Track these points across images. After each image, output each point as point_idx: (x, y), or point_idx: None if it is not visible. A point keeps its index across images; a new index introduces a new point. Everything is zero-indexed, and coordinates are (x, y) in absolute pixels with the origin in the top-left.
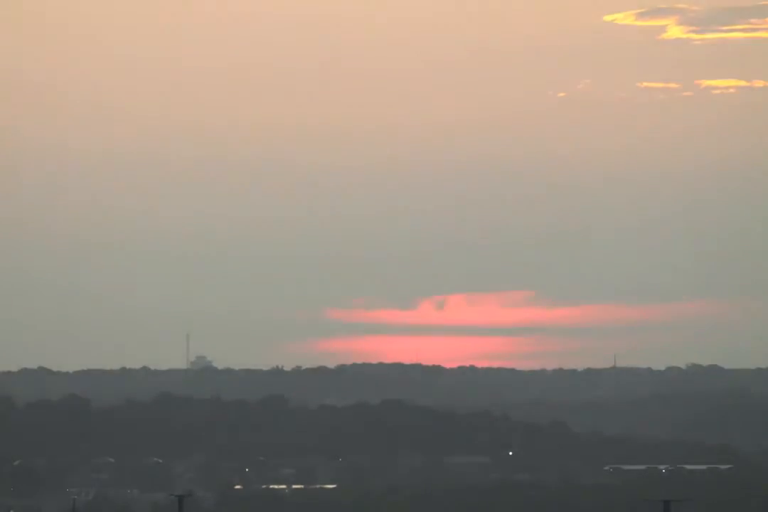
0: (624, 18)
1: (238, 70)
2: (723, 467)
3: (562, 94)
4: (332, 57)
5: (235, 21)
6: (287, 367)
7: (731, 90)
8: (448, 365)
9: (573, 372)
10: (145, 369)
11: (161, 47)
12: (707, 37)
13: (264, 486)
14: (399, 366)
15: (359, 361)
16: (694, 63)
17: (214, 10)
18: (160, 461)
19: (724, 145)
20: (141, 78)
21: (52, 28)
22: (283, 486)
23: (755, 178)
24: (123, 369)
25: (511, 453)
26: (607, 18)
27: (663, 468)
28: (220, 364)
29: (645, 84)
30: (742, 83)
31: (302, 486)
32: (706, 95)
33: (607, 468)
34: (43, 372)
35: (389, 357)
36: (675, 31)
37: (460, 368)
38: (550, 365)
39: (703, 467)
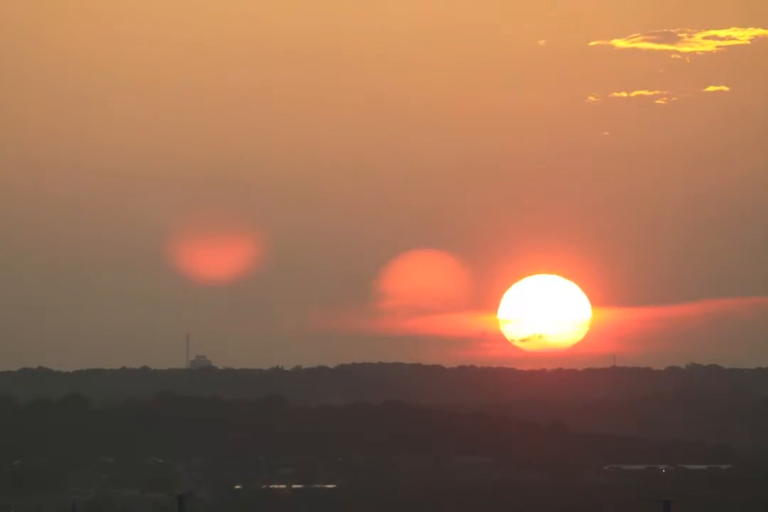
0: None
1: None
2: (723, 467)
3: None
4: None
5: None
6: (287, 367)
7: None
8: (448, 365)
9: (573, 372)
10: (145, 369)
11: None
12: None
13: (264, 486)
14: (399, 366)
15: (359, 361)
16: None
17: None
18: (160, 461)
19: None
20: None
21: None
22: (283, 486)
23: (756, 175)
24: (123, 369)
25: (510, 453)
26: (593, 43)
27: (663, 468)
28: (220, 364)
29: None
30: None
31: (302, 486)
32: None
33: (607, 468)
34: (43, 372)
35: (389, 357)
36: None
37: (460, 368)
38: (550, 365)
39: (703, 467)
